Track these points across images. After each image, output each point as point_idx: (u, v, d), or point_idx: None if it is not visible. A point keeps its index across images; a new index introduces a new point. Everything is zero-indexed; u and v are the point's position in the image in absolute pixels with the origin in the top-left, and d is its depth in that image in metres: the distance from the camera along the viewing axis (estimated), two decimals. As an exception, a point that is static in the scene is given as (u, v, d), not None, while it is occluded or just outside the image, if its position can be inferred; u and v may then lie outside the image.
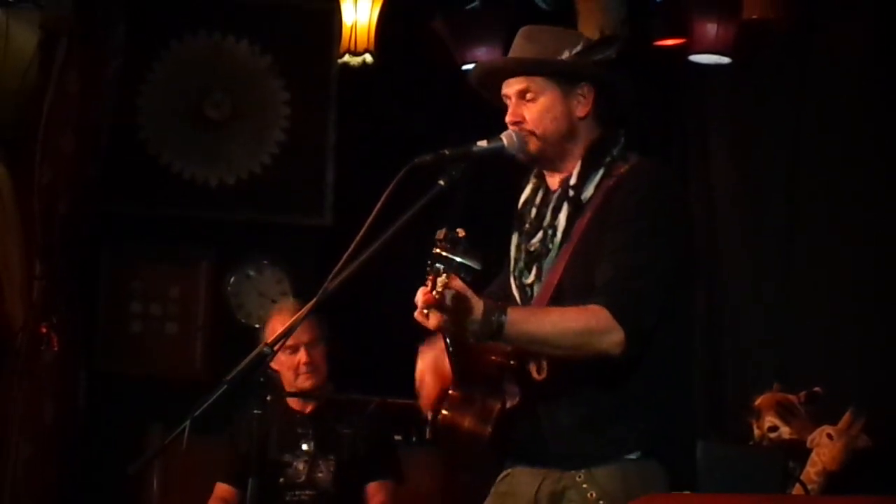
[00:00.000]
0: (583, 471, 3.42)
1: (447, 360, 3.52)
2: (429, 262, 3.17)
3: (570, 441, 3.43)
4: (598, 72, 3.50)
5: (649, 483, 3.40)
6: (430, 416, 3.55)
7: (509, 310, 3.29)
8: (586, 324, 3.32)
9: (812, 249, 5.80)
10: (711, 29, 5.73)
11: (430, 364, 3.58)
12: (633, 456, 3.42)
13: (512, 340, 3.33)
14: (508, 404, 3.42)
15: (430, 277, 3.16)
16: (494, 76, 3.58)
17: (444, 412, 3.50)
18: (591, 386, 3.40)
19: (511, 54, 3.57)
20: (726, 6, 5.73)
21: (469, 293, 3.22)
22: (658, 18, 5.88)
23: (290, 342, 5.02)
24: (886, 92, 5.48)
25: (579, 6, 5.89)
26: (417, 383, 3.60)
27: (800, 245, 5.85)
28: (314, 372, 5.11)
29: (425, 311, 3.23)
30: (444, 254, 3.15)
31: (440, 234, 3.18)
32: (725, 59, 5.84)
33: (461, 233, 3.19)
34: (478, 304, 3.24)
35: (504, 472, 3.57)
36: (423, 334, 3.49)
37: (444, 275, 3.14)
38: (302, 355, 5.08)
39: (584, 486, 3.41)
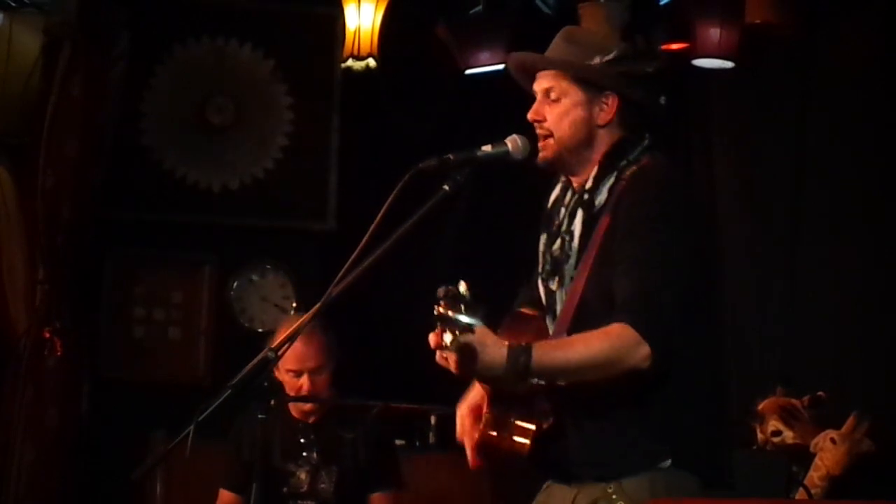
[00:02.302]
0: (613, 483, 3.41)
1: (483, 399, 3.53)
2: (435, 319, 3.16)
3: (599, 452, 3.42)
4: (623, 84, 3.48)
5: (678, 492, 3.39)
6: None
7: (534, 347, 3.29)
8: (612, 346, 3.30)
9: (815, 253, 5.80)
10: (714, 33, 5.73)
11: (468, 411, 3.56)
12: (663, 465, 3.41)
13: (540, 377, 3.33)
14: (545, 425, 3.42)
15: (439, 329, 3.16)
16: (526, 70, 3.57)
17: (482, 432, 3.49)
18: (618, 397, 3.39)
19: (548, 52, 3.55)
20: (729, 10, 5.73)
21: (481, 347, 3.21)
22: (661, 23, 5.89)
23: (294, 366, 4.97)
24: (890, 94, 5.48)
25: (582, 11, 5.90)
26: (459, 431, 3.58)
27: (803, 249, 5.85)
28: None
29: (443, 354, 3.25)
30: (446, 313, 3.14)
31: (441, 291, 3.17)
32: (728, 64, 5.84)
33: (463, 286, 3.19)
34: (499, 351, 3.24)
35: (545, 485, 3.56)
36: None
37: (447, 332, 3.14)
38: (304, 382, 5.00)
39: (614, 496, 3.40)
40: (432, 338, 3.23)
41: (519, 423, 3.43)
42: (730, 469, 3.53)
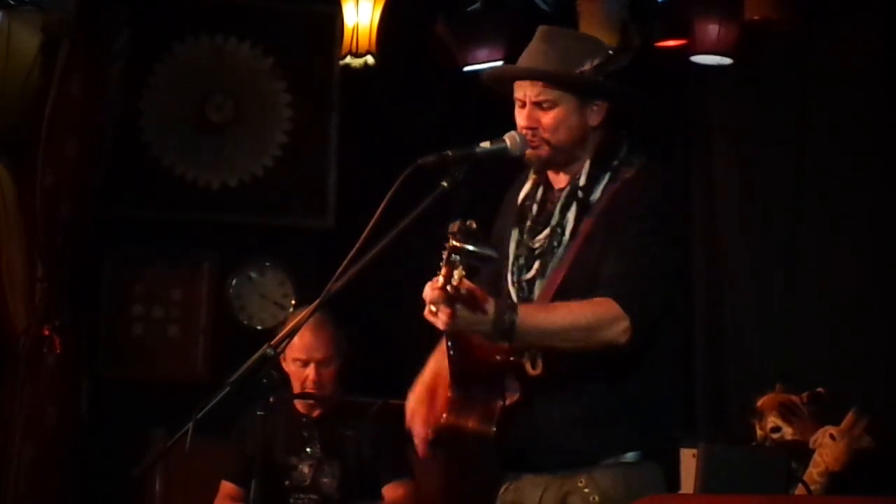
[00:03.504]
0: (584, 475, 3.43)
1: (439, 385, 3.53)
2: (444, 254, 3.17)
3: (569, 442, 3.44)
4: (617, 89, 3.52)
5: (650, 484, 3.44)
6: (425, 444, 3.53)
7: (519, 307, 3.31)
8: (594, 315, 3.35)
9: (815, 250, 5.80)
10: (713, 30, 5.73)
11: (421, 399, 3.56)
12: (632, 456, 3.45)
13: (523, 337, 3.34)
14: (508, 401, 3.42)
15: (444, 271, 3.15)
16: (511, 79, 3.58)
17: (445, 416, 3.49)
18: (588, 383, 3.42)
19: (528, 55, 3.56)
20: (728, 7, 5.74)
21: (481, 291, 3.24)
22: (660, 19, 5.88)
23: (302, 355, 5.01)
24: (890, 94, 5.48)
25: (580, 7, 5.90)
26: (408, 419, 3.56)
27: (803, 246, 5.86)
28: (319, 390, 5.08)
29: (433, 307, 3.23)
30: (459, 245, 3.15)
31: (454, 226, 3.18)
32: (727, 60, 5.84)
33: (474, 224, 3.20)
34: (489, 303, 3.26)
35: (508, 482, 3.57)
36: (426, 335, 3.49)
37: (460, 267, 3.14)
38: (311, 372, 5.04)
39: (586, 490, 3.43)
40: (429, 289, 3.21)
41: (484, 400, 3.43)
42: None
